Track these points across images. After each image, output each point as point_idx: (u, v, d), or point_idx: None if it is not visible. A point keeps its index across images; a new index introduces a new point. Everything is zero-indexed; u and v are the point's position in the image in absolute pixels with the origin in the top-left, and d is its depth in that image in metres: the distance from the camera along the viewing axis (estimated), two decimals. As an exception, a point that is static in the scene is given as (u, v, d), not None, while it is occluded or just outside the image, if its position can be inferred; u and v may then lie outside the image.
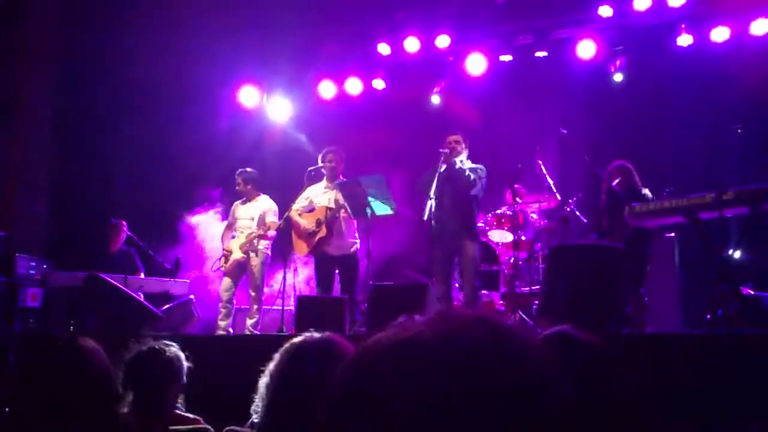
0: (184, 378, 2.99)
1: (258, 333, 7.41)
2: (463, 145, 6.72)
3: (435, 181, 6.46)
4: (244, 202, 7.85)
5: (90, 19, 9.47)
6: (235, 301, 7.63)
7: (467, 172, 6.55)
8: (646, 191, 6.65)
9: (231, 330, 7.46)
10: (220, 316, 7.55)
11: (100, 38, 9.50)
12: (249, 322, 7.46)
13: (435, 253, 6.63)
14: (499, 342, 0.75)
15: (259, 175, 7.98)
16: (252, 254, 7.55)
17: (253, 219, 7.60)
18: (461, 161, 6.69)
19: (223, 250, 7.76)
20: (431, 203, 6.34)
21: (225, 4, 9.87)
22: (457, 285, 7.01)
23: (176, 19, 9.63)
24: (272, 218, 7.55)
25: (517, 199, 7.61)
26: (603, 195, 6.91)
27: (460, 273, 6.66)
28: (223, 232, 7.93)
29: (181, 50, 9.58)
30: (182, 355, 3.03)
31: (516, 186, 7.96)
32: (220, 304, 7.60)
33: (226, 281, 7.65)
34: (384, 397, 0.71)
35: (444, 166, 6.52)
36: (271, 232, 7.52)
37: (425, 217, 6.58)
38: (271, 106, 10.29)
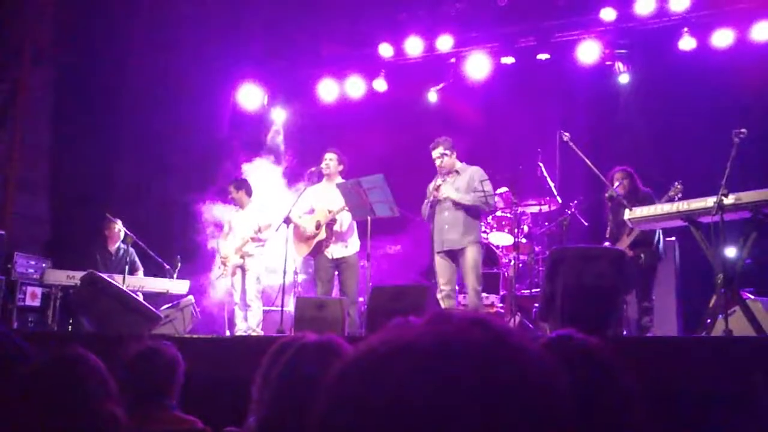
0: (181, 379, 2.97)
1: (262, 332, 7.41)
2: (449, 153, 6.71)
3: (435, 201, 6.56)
4: (238, 210, 7.88)
5: (89, 19, 9.46)
6: (258, 299, 7.64)
7: (480, 195, 6.55)
8: (648, 191, 6.65)
9: (260, 330, 7.46)
10: (237, 319, 7.63)
11: (100, 38, 9.49)
12: (253, 321, 7.47)
13: (437, 257, 6.63)
14: (496, 345, 0.74)
15: (250, 182, 8.01)
16: (248, 258, 7.58)
17: (249, 225, 7.61)
18: (456, 171, 6.70)
19: (220, 257, 7.77)
20: (428, 202, 6.58)
21: (227, 3, 9.87)
22: (456, 287, 7.00)
23: (176, 18, 9.62)
24: (265, 222, 7.56)
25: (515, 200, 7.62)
26: (606, 201, 6.90)
27: (462, 277, 6.66)
28: (219, 241, 7.94)
29: (182, 49, 9.58)
30: (179, 356, 3.01)
31: (507, 190, 7.96)
32: (235, 307, 7.68)
33: (233, 283, 7.69)
34: (378, 404, 0.69)
35: (437, 200, 6.59)
36: (264, 235, 7.52)
37: (425, 219, 6.61)
38: (271, 106, 10.30)
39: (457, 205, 6.58)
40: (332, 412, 0.73)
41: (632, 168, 6.86)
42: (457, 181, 6.71)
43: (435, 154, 6.73)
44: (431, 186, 6.72)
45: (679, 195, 6.34)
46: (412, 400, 0.68)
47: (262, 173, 8.64)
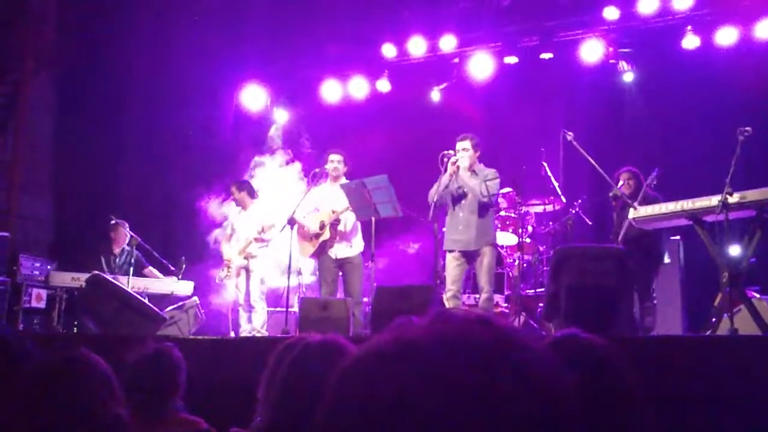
0: (185, 380, 2.98)
1: (266, 332, 7.42)
2: (472, 150, 6.66)
3: (447, 193, 6.48)
4: (240, 212, 7.87)
5: (91, 19, 9.48)
6: (262, 300, 7.65)
7: (483, 186, 6.50)
8: (653, 193, 6.64)
9: (265, 331, 7.47)
10: (242, 320, 7.65)
11: (102, 40, 9.51)
12: (257, 323, 7.48)
13: (448, 256, 6.60)
14: (500, 344, 0.73)
15: (252, 183, 8.02)
16: (251, 259, 7.58)
17: (252, 226, 7.61)
18: (473, 169, 6.65)
19: (224, 259, 7.77)
20: (434, 204, 6.46)
21: (229, 4, 9.88)
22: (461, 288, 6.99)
23: (178, 20, 9.63)
24: (269, 222, 7.56)
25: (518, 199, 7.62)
26: (612, 201, 6.89)
27: (475, 279, 6.64)
28: (222, 243, 7.94)
29: (184, 51, 9.58)
30: (182, 358, 3.02)
31: (511, 190, 7.95)
32: (239, 308, 7.69)
33: (237, 284, 7.70)
34: (382, 404, 0.69)
35: (451, 180, 6.51)
36: (267, 235, 7.52)
37: (429, 218, 6.57)
38: (274, 107, 10.32)
39: (472, 206, 6.55)
40: (336, 412, 0.73)
41: (638, 168, 6.85)
42: (472, 179, 6.64)
43: (458, 146, 6.66)
44: (451, 161, 6.53)
45: (655, 182, 6.39)
46: (416, 400, 0.68)
47: (267, 173, 8.64)
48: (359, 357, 0.76)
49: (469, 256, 6.57)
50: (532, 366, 0.73)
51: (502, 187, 7.90)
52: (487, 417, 0.67)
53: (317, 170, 7.30)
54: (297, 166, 8.66)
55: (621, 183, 6.71)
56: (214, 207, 8.27)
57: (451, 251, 6.60)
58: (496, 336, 0.74)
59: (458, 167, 6.52)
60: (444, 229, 6.73)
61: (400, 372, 0.70)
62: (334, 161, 7.30)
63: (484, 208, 6.57)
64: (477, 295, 6.79)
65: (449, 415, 0.67)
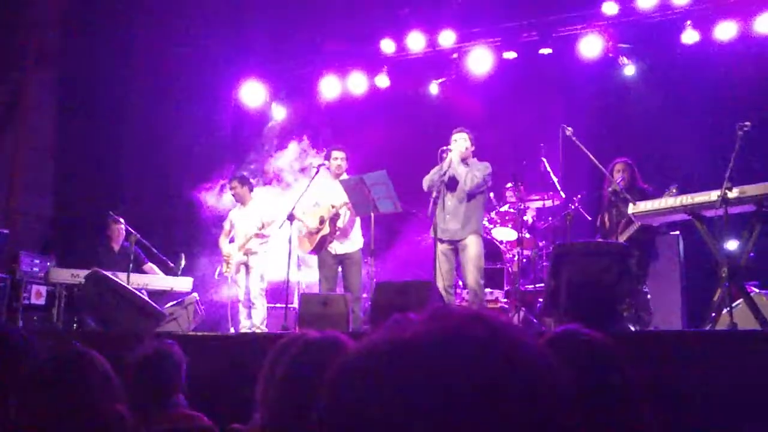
0: (185, 376, 2.98)
1: (266, 329, 7.42)
2: (469, 143, 6.69)
3: (438, 179, 6.48)
4: (240, 207, 7.86)
5: (93, 18, 9.47)
6: (262, 297, 7.64)
7: (469, 175, 6.51)
8: (647, 187, 6.64)
9: (265, 328, 7.48)
10: (241, 316, 7.65)
11: (103, 38, 9.50)
12: (257, 319, 7.48)
13: (438, 250, 6.60)
14: (495, 339, 0.74)
15: (251, 177, 8.00)
16: (251, 255, 7.57)
17: (252, 222, 7.60)
18: (465, 162, 6.66)
19: (223, 255, 7.77)
20: (431, 197, 6.46)
21: (228, 2, 9.87)
22: (460, 282, 6.99)
23: (179, 17, 9.62)
24: (268, 218, 7.55)
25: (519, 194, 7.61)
26: (605, 193, 6.89)
27: (463, 270, 6.64)
28: (221, 239, 7.93)
29: (184, 48, 9.57)
30: (182, 354, 3.02)
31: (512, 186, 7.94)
32: (239, 304, 7.69)
33: (237, 280, 7.70)
34: (377, 402, 0.70)
35: (446, 166, 6.52)
36: (267, 231, 7.52)
37: (429, 214, 6.58)
38: (273, 103, 10.31)
39: (460, 196, 6.56)
40: (332, 410, 0.74)
41: (632, 160, 6.84)
42: (462, 169, 6.65)
43: (454, 137, 6.70)
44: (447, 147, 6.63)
45: (675, 191, 6.39)
46: (411, 397, 0.68)
47: (290, 162, 8.61)
48: (355, 355, 0.76)
49: (456, 247, 6.58)
50: (527, 362, 0.73)
51: (502, 182, 7.88)
52: (483, 413, 0.68)
53: (315, 165, 7.29)
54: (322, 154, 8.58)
55: (618, 175, 6.69)
56: (213, 203, 8.26)
57: (440, 240, 6.59)
58: (491, 332, 0.74)
59: (454, 150, 6.55)
60: (435, 219, 6.71)
61: (396, 369, 0.70)
62: (338, 158, 7.28)
63: (472, 198, 6.57)
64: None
65: (444, 414, 0.67)
